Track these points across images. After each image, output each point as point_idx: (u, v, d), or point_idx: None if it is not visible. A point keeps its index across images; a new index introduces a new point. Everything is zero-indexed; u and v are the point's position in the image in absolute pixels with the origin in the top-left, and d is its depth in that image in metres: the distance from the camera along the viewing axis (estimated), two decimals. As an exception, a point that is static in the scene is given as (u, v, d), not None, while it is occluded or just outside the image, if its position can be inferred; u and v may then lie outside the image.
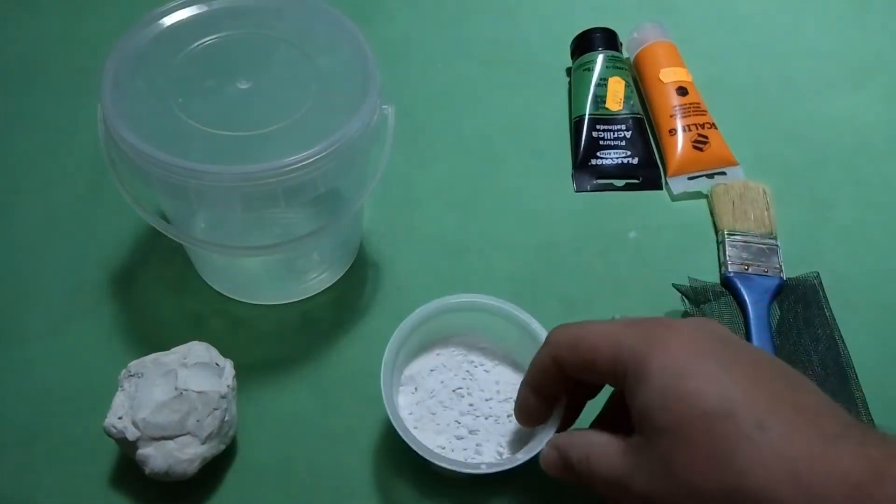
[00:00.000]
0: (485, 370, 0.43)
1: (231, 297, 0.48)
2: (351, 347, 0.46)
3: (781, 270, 0.50)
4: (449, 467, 0.36)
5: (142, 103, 0.38)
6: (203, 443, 0.37)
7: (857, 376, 0.46)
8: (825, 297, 0.49)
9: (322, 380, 0.45)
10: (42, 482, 0.40)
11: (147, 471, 0.37)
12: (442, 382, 0.42)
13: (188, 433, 0.37)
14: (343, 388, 0.44)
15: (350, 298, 0.49)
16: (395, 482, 0.41)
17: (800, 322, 0.48)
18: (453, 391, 0.42)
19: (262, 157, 0.36)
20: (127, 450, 0.38)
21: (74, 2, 0.65)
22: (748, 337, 0.47)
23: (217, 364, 0.39)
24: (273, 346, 0.46)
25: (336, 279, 0.49)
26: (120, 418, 0.37)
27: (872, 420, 0.44)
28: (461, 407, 0.41)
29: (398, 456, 0.42)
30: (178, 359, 0.39)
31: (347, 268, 0.50)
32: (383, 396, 0.38)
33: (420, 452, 0.37)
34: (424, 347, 0.43)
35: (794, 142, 0.60)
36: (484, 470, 0.37)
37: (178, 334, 0.44)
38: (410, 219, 0.53)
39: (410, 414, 0.41)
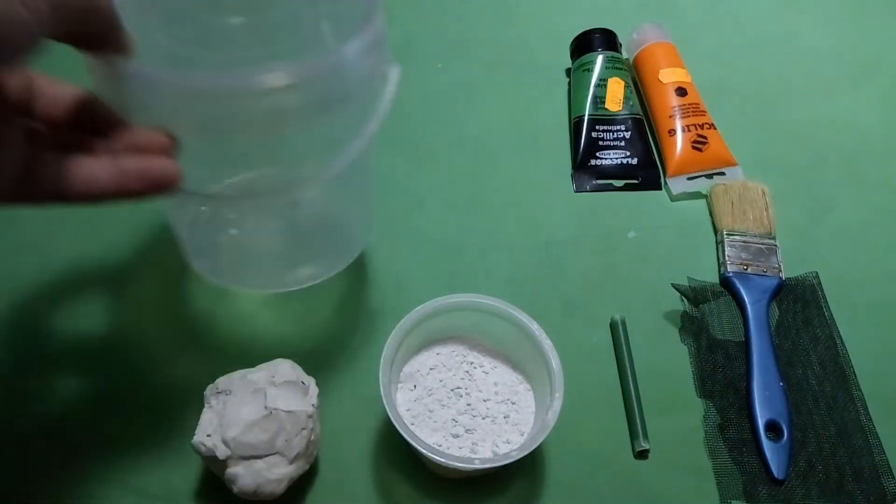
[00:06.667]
0: (483, 371, 0.43)
1: (228, 287, 0.47)
2: (350, 347, 0.46)
3: (780, 270, 0.50)
4: (443, 461, 0.36)
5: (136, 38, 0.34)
6: (290, 463, 0.37)
7: (855, 376, 0.46)
8: (824, 296, 0.50)
9: (321, 378, 0.45)
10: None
11: (235, 490, 0.37)
12: (441, 381, 0.42)
13: (277, 453, 0.37)
14: (342, 386, 0.44)
15: (350, 298, 0.49)
16: (392, 482, 0.41)
17: (799, 322, 0.48)
18: (452, 390, 0.42)
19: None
20: (214, 467, 0.38)
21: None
22: (747, 336, 0.47)
23: (303, 383, 0.39)
24: (272, 346, 0.46)
25: (336, 271, 0.46)
26: (209, 436, 0.37)
27: (872, 420, 0.44)
28: (459, 406, 0.41)
29: (395, 456, 0.42)
30: (265, 377, 0.39)
31: (352, 259, 0.47)
32: (382, 391, 0.38)
33: (415, 445, 0.37)
34: (424, 346, 0.43)
35: (794, 142, 0.60)
36: (477, 465, 0.37)
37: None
38: (410, 219, 0.53)
39: (408, 410, 0.41)
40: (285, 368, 0.39)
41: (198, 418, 0.38)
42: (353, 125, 0.38)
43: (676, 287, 0.49)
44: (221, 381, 0.39)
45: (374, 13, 0.36)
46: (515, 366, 0.43)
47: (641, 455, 0.43)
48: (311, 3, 0.39)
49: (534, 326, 0.41)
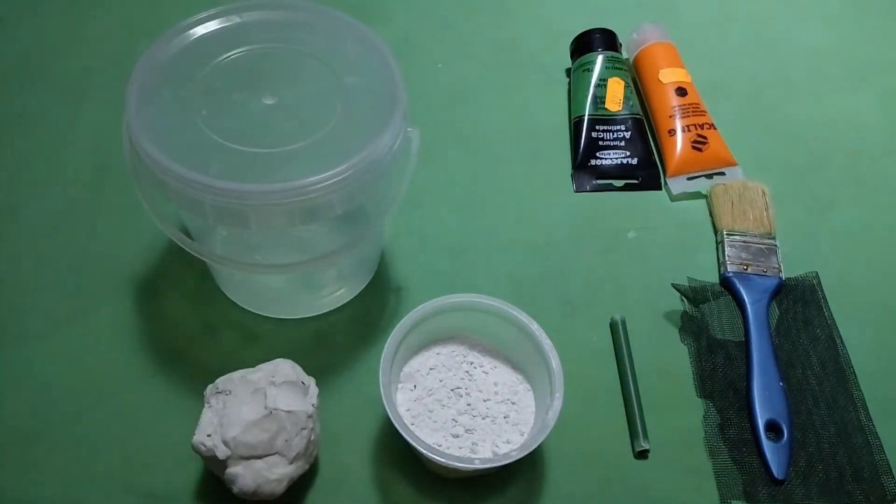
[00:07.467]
0: (483, 371, 0.43)
1: (254, 312, 0.48)
2: (350, 347, 0.46)
3: (780, 270, 0.50)
4: (443, 461, 0.36)
5: (167, 115, 0.38)
6: (290, 463, 0.37)
7: (855, 376, 0.46)
8: (824, 296, 0.50)
9: (321, 378, 0.45)
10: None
11: (235, 490, 0.37)
12: (441, 381, 0.42)
13: (277, 453, 0.37)
14: (342, 386, 0.44)
15: (349, 298, 0.49)
16: (392, 482, 0.41)
17: (799, 322, 0.48)
18: (452, 390, 0.42)
19: (282, 175, 0.35)
20: (214, 467, 0.38)
21: (74, 2, 0.66)
22: (747, 336, 0.47)
23: (303, 383, 0.39)
24: (275, 342, 0.46)
25: (353, 295, 0.48)
26: (209, 436, 0.37)
27: (871, 420, 0.44)
28: (459, 406, 0.41)
29: (396, 456, 0.42)
30: (265, 377, 0.39)
31: (366, 284, 0.49)
32: (381, 391, 0.38)
33: (415, 445, 0.37)
34: (424, 346, 0.43)
35: (794, 142, 0.60)
36: (477, 465, 0.37)
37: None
38: (410, 219, 0.53)
39: (408, 410, 0.41)
40: (285, 368, 0.39)
41: (198, 418, 0.38)
42: (383, 190, 0.42)
43: (676, 287, 0.49)
44: (221, 381, 0.39)
45: (397, 87, 0.40)
46: (515, 366, 0.43)
47: (641, 455, 0.43)
48: (337, 78, 0.41)
49: (534, 326, 0.41)
